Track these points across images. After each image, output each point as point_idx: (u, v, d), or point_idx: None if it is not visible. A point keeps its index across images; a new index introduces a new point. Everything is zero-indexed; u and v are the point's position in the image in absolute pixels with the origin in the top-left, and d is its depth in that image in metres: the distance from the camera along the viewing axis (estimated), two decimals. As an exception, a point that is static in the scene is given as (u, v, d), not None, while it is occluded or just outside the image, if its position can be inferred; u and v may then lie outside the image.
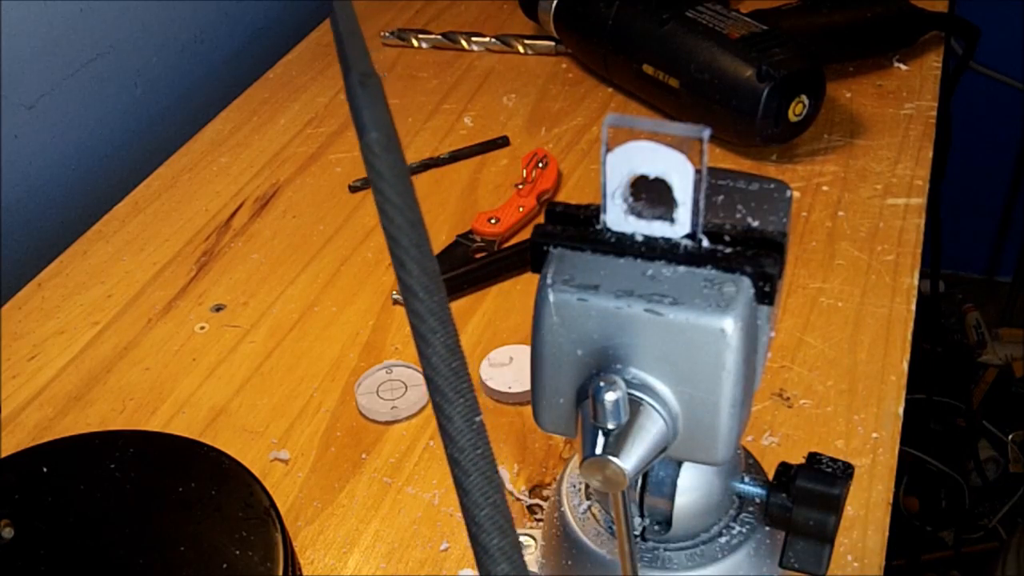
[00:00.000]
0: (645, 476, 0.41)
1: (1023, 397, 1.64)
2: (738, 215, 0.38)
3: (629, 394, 0.34)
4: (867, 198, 0.79)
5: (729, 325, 0.34)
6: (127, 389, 0.68)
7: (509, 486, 0.59)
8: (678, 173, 0.30)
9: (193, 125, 0.95)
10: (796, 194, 0.78)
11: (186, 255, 0.79)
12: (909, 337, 0.67)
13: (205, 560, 0.45)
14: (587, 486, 0.46)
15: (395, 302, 0.73)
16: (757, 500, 0.43)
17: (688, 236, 0.33)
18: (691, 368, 0.35)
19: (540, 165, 0.83)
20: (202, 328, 0.72)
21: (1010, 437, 1.58)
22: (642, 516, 0.42)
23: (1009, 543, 1.46)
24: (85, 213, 0.86)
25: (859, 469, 0.57)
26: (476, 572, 0.54)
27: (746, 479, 0.43)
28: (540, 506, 0.58)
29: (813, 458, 0.41)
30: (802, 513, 0.40)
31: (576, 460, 0.46)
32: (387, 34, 1.05)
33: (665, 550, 0.43)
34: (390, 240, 0.26)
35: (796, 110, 0.80)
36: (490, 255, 0.76)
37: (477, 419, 0.26)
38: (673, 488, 0.41)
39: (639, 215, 0.34)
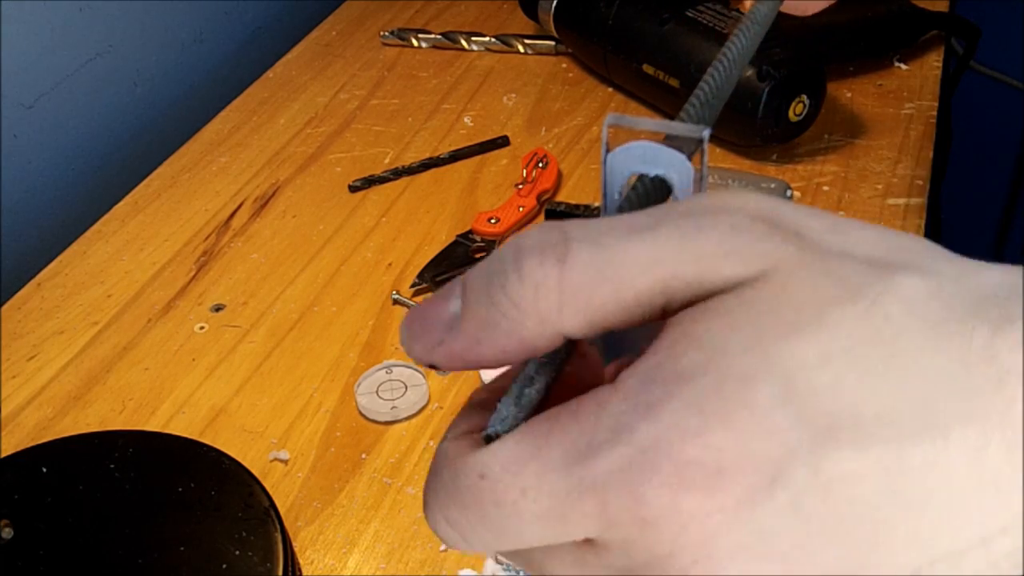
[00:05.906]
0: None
1: (1023, 397, 1.64)
2: (738, 215, 0.38)
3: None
4: (867, 198, 0.79)
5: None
6: (127, 389, 0.68)
7: (509, 486, 0.59)
8: (678, 173, 0.30)
9: (193, 125, 0.95)
10: (796, 194, 0.78)
11: (186, 255, 0.79)
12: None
13: (205, 560, 0.45)
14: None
15: (395, 302, 0.73)
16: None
17: (688, 236, 0.32)
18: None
19: (540, 165, 0.83)
20: (201, 328, 0.72)
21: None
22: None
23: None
24: (85, 213, 0.86)
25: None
26: (475, 572, 0.54)
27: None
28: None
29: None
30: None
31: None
32: (387, 34, 1.05)
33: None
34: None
35: (796, 110, 0.80)
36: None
37: None
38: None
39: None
